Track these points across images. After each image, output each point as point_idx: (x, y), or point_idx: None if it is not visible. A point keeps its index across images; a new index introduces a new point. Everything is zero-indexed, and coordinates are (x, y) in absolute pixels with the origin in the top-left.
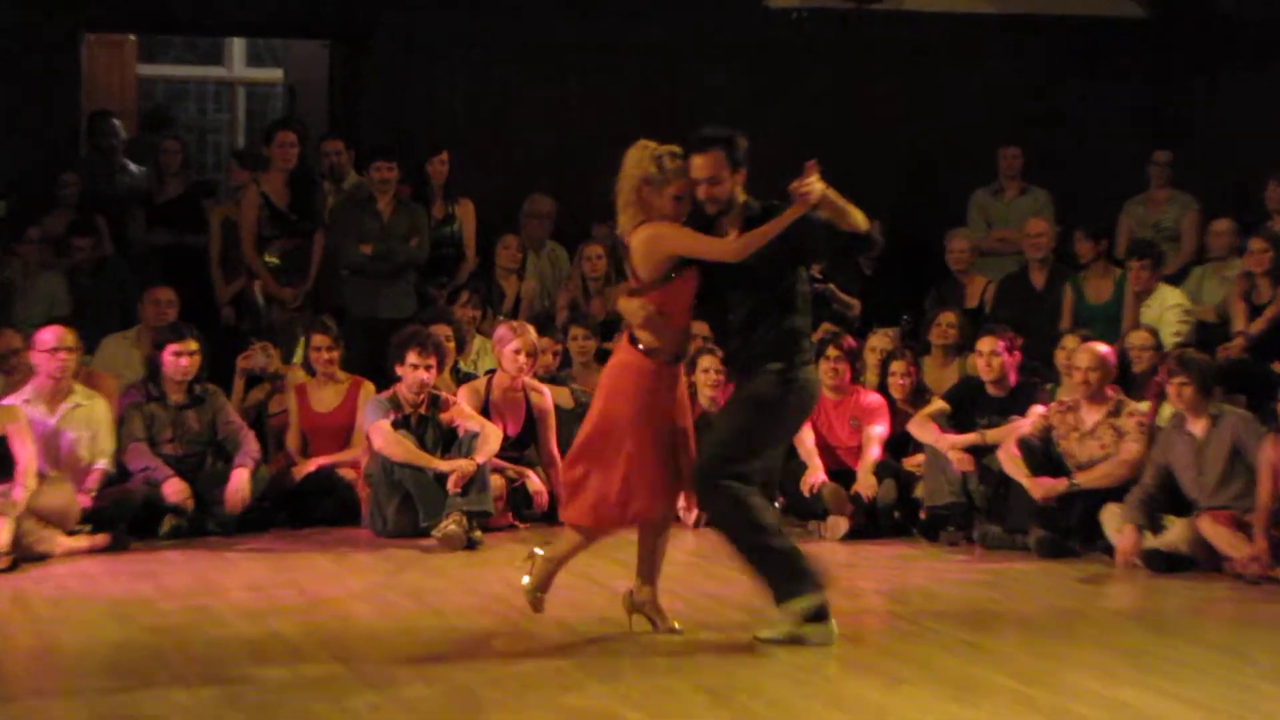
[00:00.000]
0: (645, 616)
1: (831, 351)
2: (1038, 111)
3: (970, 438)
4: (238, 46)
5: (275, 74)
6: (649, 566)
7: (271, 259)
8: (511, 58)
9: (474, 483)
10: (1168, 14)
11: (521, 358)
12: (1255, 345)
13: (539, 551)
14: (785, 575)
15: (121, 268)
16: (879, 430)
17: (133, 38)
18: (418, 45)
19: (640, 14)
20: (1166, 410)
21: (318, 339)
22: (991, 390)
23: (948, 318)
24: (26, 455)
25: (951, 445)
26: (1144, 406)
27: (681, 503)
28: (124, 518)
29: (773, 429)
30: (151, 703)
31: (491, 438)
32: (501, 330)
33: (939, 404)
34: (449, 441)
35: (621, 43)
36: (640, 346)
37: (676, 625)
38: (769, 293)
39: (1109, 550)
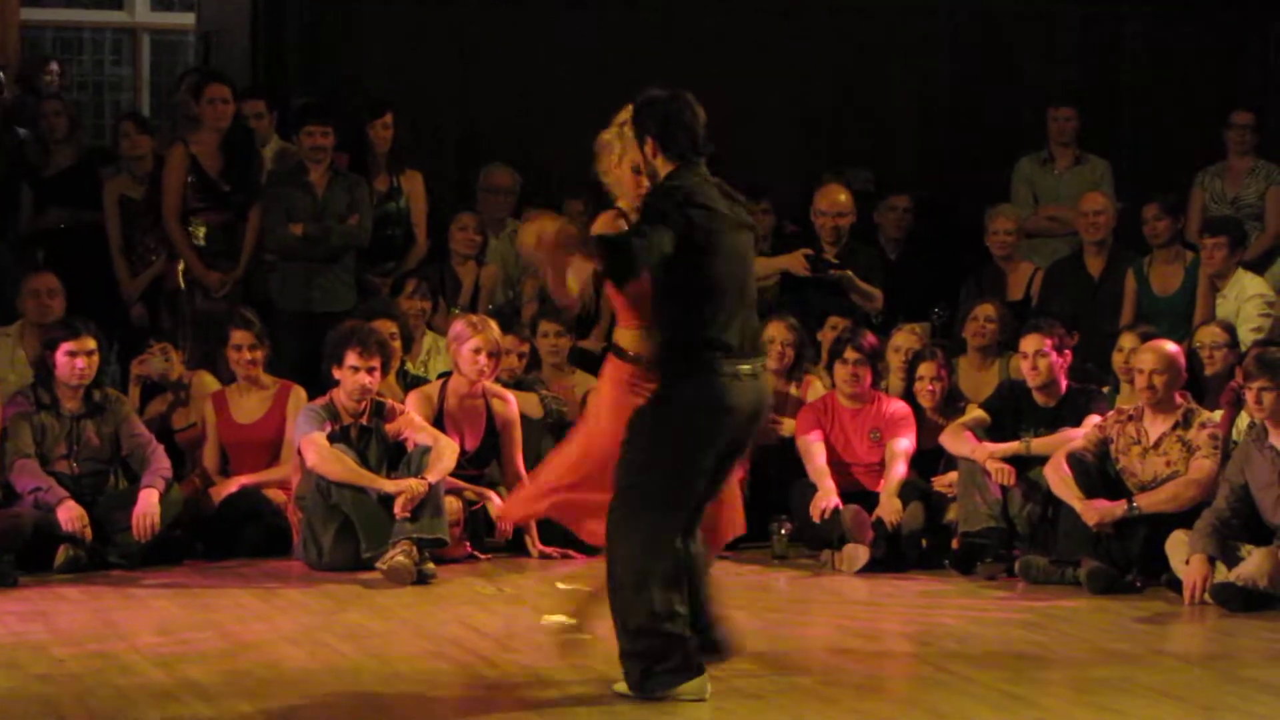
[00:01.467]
0: None
1: (849, 353)
2: (1095, 65)
3: (1013, 446)
4: None
5: (186, 19)
6: None
7: (195, 236)
8: (467, 2)
9: (425, 506)
10: None
11: (482, 358)
12: None
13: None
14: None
15: (1, 252)
16: (904, 445)
17: None
18: None
19: None
20: (1244, 420)
21: (237, 336)
22: (1038, 397)
23: (986, 311)
24: None
25: (990, 455)
26: (1218, 416)
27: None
28: (10, 548)
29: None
30: None
31: (446, 453)
32: (458, 326)
33: (976, 413)
34: (396, 457)
35: None
36: (630, 354)
37: None
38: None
39: (1175, 585)
